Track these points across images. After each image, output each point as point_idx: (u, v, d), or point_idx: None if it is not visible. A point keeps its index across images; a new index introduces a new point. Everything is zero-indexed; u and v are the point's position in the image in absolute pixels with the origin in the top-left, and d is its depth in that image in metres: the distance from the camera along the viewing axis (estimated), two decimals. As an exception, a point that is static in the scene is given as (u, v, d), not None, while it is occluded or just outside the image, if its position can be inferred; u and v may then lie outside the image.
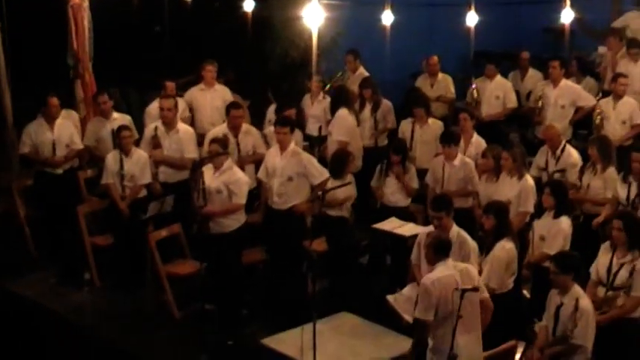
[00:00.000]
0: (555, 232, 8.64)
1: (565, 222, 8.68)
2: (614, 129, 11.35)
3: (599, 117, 11.47)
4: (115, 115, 11.47)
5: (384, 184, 10.43)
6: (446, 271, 7.25)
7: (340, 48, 14.10)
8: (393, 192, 10.40)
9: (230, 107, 10.94)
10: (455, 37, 14.15)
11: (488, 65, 13.03)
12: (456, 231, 8.22)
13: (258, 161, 10.78)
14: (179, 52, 14.70)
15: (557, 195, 8.71)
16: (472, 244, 8.22)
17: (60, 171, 11.35)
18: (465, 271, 7.34)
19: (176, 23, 15.23)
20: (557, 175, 10.17)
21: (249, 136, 10.96)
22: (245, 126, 11.06)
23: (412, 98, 12.25)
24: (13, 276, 11.00)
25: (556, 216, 8.68)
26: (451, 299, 7.12)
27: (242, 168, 10.24)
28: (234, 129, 10.77)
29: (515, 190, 9.52)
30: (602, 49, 13.61)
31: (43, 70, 12.98)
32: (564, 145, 10.51)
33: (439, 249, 7.35)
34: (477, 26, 13.36)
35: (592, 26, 14.03)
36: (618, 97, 11.55)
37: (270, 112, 12.01)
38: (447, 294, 7.15)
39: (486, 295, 7.51)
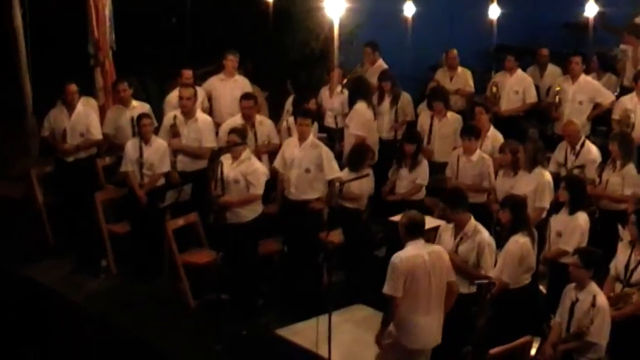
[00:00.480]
0: (572, 229, 8.61)
1: (582, 218, 8.65)
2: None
3: (627, 115, 11.41)
4: (134, 103, 11.49)
5: (397, 175, 10.42)
6: (416, 250, 7.40)
7: (359, 40, 14.08)
8: (406, 184, 10.38)
9: (241, 98, 10.99)
10: (475, 30, 14.12)
11: (508, 57, 12.97)
12: (473, 225, 8.21)
13: (272, 151, 10.84)
14: (199, 43, 14.70)
15: (573, 190, 8.68)
16: (488, 238, 8.19)
17: (71, 159, 11.34)
18: (435, 253, 7.50)
19: (196, 13, 15.23)
20: (576, 171, 10.13)
21: (264, 127, 11.01)
22: (258, 117, 11.10)
23: (431, 91, 12.21)
24: (30, 262, 11.07)
25: (572, 212, 8.64)
26: (418, 278, 7.29)
27: (258, 158, 10.26)
28: (248, 119, 10.80)
29: (533, 185, 9.48)
30: (623, 46, 13.52)
31: (63, 58, 13.04)
32: (583, 141, 10.47)
33: (411, 229, 7.49)
34: (497, 20, 13.31)
35: (613, 22, 13.91)
36: None
37: (289, 103, 12.02)
38: (414, 272, 7.32)
39: (453, 278, 7.62)
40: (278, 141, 11.15)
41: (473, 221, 8.21)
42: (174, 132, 10.77)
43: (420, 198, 10.43)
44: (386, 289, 7.41)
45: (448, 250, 8.03)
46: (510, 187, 9.61)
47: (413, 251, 7.39)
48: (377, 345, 7.64)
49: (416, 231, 7.47)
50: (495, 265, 8.25)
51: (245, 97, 11.00)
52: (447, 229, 8.34)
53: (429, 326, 7.48)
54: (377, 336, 7.62)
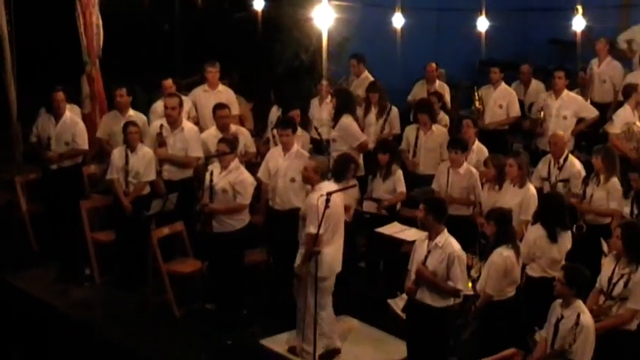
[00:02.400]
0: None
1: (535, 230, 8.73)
2: None
3: (630, 127, 11.55)
4: (131, 112, 11.41)
5: (372, 186, 10.46)
6: (330, 187, 8.58)
7: (348, 52, 14.13)
8: (381, 194, 10.40)
9: (215, 108, 11.03)
10: (463, 44, 14.16)
11: (493, 69, 13.05)
12: (445, 236, 8.10)
13: (249, 161, 10.91)
14: (188, 52, 14.71)
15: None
16: (458, 251, 8.05)
17: (54, 167, 11.28)
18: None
19: (186, 22, 15.24)
20: (560, 185, 10.20)
21: (240, 136, 11.00)
22: (234, 126, 11.12)
23: (417, 104, 12.27)
24: (13, 270, 11.01)
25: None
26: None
27: None
28: (223, 129, 10.81)
29: (518, 198, 9.53)
30: (594, 59, 13.67)
31: (49, 65, 13.00)
32: (567, 155, 10.53)
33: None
34: (485, 35, 13.39)
35: (599, 37, 14.05)
36: None
37: (272, 113, 12.06)
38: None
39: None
40: (255, 150, 11.29)
41: (445, 233, 8.14)
42: (160, 141, 10.75)
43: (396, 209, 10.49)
44: (307, 229, 8.52)
45: (420, 261, 8.05)
46: (495, 200, 9.65)
47: (328, 188, 8.54)
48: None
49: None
50: (479, 277, 8.29)
51: (219, 107, 11.02)
52: (422, 242, 8.29)
53: (330, 256, 8.70)
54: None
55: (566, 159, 10.46)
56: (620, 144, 11.32)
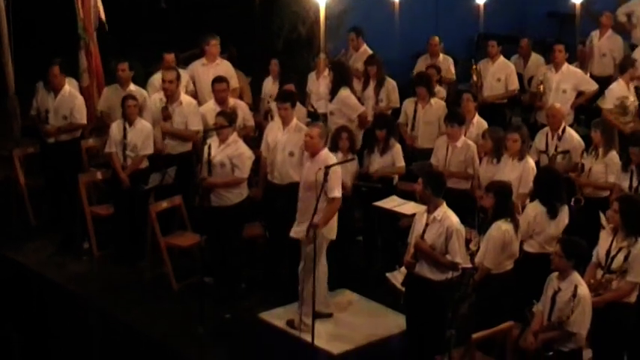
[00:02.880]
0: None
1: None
2: None
3: (623, 102, 11.52)
4: (132, 87, 11.37)
5: (369, 161, 10.45)
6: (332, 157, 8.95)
7: (346, 25, 14.07)
8: (378, 169, 10.40)
9: (213, 82, 10.97)
10: (461, 18, 14.13)
11: (490, 42, 13.02)
12: (443, 210, 8.10)
13: (247, 135, 10.89)
14: (185, 25, 14.63)
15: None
16: (457, 224, 8.05)
17: (52, 140, 11.23)
18: None
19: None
20: (560, 157, 10.20)
21: (239, 110, 10.96)
22: (232, 100, 11.09)
23: (415, 77, 12.24)
24: (11, 244, 11.04)
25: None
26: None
27: None
28: (221, 103, 10.78)
29: (517, 172, 9.52)
30: (594, 32, 13.61)
31: (47, 38, 12.94)
32: (564, 127, 10.52)
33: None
34: (483, 8, 13.34)
35: (598, 11, 14.00)
36: None
37: (267, 86, 12.12)
38: None
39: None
40: (253, 124, 11.30)
41: (444, 207, 8.12)
42: (165, 115, 10.73)
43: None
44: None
45: (418, 235, 8.06)
46: (493, 173, 9.64)
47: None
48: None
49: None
50: (477, 251, 8.29)
51: (217, 80, 10.95)
52: (422, 216, 8.29)
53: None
54: None
55: (564, 131, 10.46)
56: (613, 119, 11.28)
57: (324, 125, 9.56)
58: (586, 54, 13.49)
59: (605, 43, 13.44)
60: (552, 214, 8.55)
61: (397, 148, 10.43)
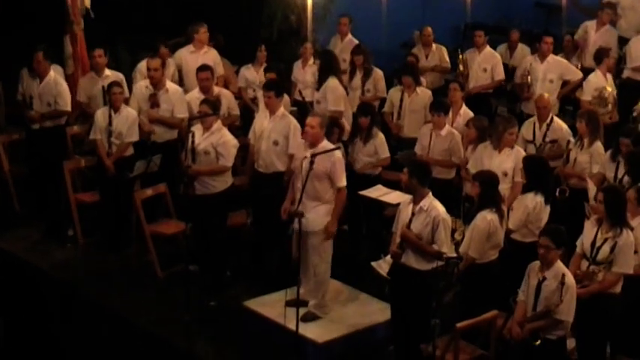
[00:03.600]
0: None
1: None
2: None
3: (601, 93, 11.56)
4: (108, 72, 11.38)
5: (352, 149, 10.44)
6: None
7: (332, 14, 14.03)
8: (361, 157, 10.39)
9: (198, 70, 10.95)
10: (449, 8, 14.10)
11: (477, 32, 13.02)
12: (429, 200, 8.10)
13: (232, 123, 10.90)
14: (172, 13, 14.55)
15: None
16: (443, 214, 8.04)
17: (36, 126, 11.21)
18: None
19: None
20: (548, 146, 10.23)
21: (223, 99, 10.96)
22: (217, 88, 11.08)
23: (401, 66, 12.23)
24: (-5, 230, 11.00)
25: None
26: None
27: None
28: (205, 92, 10.76)
29: (512, 161, 9.52)
30: (589, 23, 13.60)
31: (31, 24, 12.84)
32: (552, 117, 10.55)
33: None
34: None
35: (584, 3, 14.01)
36: None
37: (248, 72, 12.19)
38: None
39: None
40: (238, 112, 11.29)
41: (430, 196, 8.11)
42: (153, 102, 10.70)
43: (377, 172, 10.50)
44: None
45: (404, 225, 8.07)
46: (488, 163, 9.57)
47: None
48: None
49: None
50: (462, 240, 8.31)
51: (201, 69, 10.93)
52: (407, 206, 8.30)
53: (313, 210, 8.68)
54: None
55: (552, 121, 10.49)
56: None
57: (325, 115, 9.53)
58: (581, 45, 13.47)
59: (601, 37, 13.34)
60: (548, 201, 8.60)
61: (380, 137, 10.41)
